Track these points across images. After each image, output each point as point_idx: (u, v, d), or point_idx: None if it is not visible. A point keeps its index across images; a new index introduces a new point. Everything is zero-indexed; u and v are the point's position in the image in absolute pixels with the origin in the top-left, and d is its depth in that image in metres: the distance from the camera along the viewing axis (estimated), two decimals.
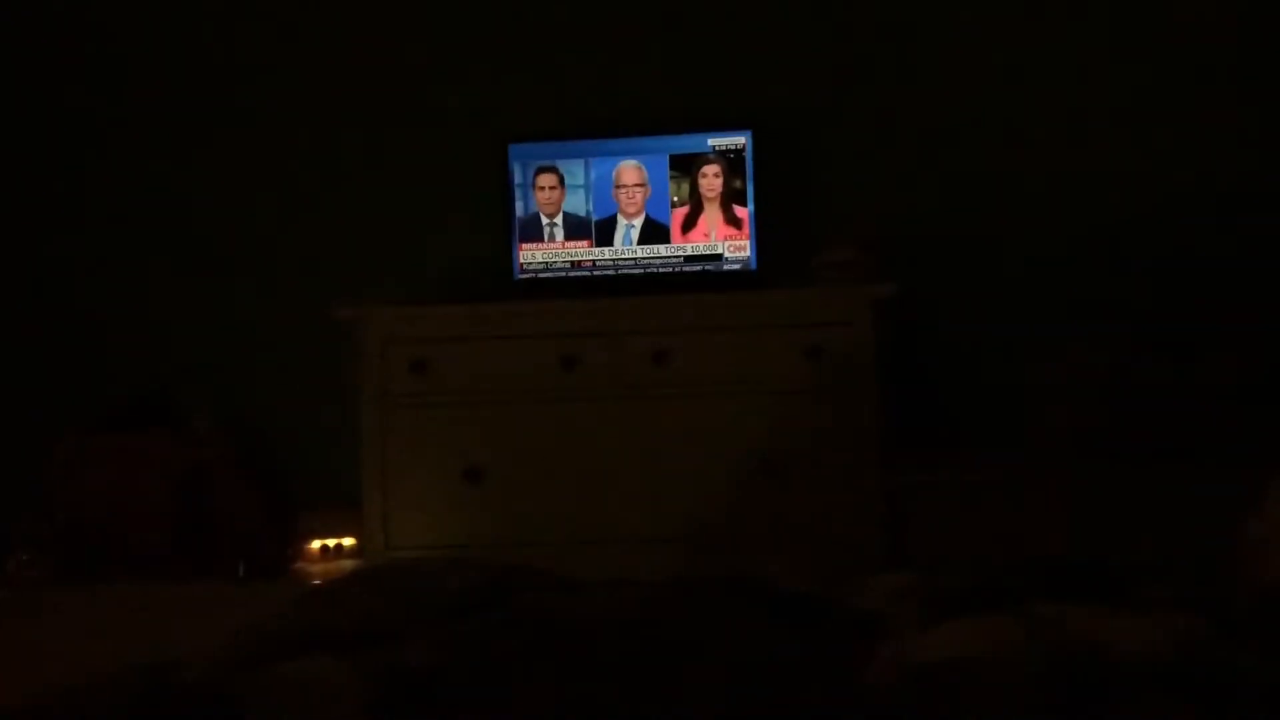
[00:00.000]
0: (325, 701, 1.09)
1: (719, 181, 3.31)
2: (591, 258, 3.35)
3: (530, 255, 3.36)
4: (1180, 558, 1.37)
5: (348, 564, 3.48)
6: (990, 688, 1.01)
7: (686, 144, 3.32)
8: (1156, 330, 3.15)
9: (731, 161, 3.30)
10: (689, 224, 3.33)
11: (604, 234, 3.35)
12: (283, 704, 1.09)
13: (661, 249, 3.33)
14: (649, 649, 1.23)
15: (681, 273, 3.32)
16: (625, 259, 3.34)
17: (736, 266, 3.31)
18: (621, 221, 3.35)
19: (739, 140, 3.30)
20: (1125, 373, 2.73)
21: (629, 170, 3.33)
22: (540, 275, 3.35)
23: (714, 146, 3.31)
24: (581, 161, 3.34)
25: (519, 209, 3.35)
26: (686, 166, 3.32)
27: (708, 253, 3.32)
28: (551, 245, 3.36)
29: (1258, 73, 3.38)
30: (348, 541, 3.60)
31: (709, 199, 3.32)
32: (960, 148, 3.47)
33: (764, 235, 3.29)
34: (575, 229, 3.36)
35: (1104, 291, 3.38)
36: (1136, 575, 1.30)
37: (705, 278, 3.31)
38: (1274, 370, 2.71)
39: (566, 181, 3.35)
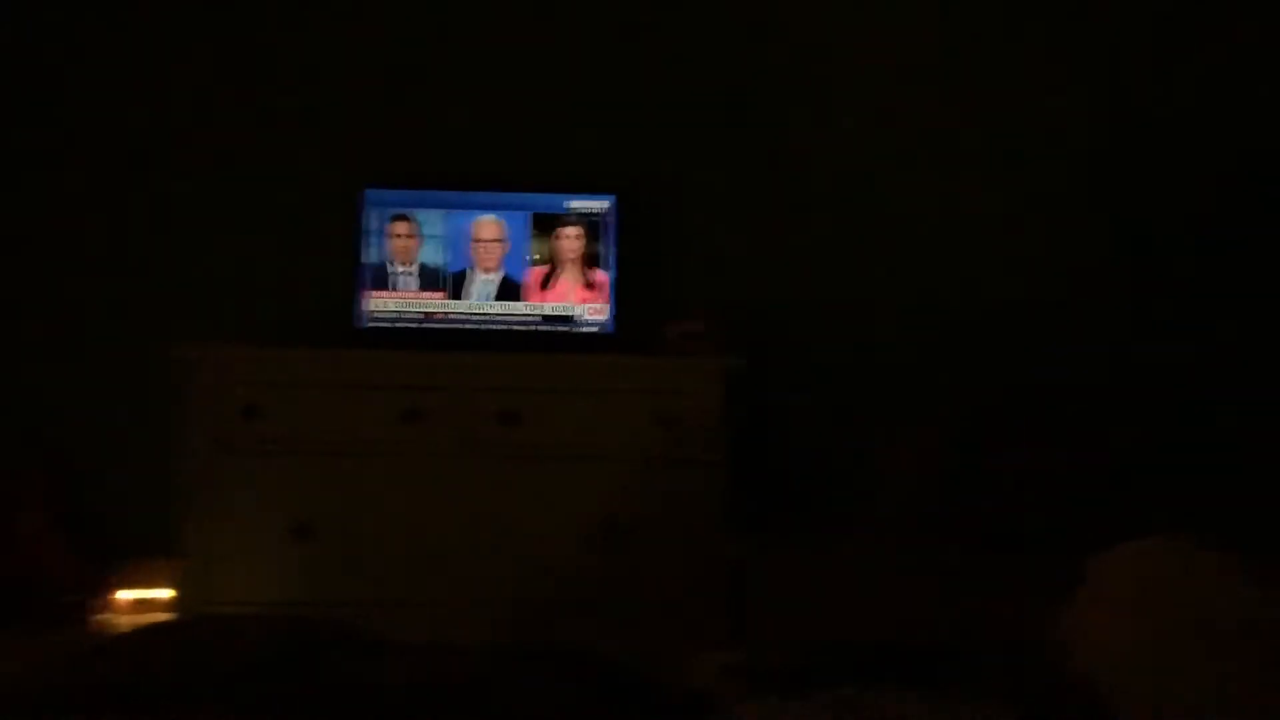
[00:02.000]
0: None
1: (579, 244, 3.27)
2: (444, 309, 3.26)
3: (381, 304, 3.25)
4: (1002, 645, 1.35)
5: (161, 618, 3.26)
6: None
7: (549, 203, 3.27)
8: (997, 416, 3.21)
9: (593, 224, 3.26)
10: (546, 283, 3.27)
11: (459, 287, 3.26)
12: None
13: (518, 306, 3.26)
14: (457, 718, 1.14)
15: (537, 332, 3.25)
16: (479, 314, 3.26)
17: (594, 329, 3.25)
18: (478, 276, 3.27)
19: (602, 204, 3.27)
20: (962, 457, 2.76)
21: (487, 225, 3.27)
22: (389, 325, 3.24)
23: (574, 209, 3.27)
24: (440, 212, 3.26)
25: (372, 255, 3.25)
26: (547, 226, 3.27)
27: (564, 313, 3.26)
28: (405, 294, 3.26)
29: (1114, 152, 3.51)
30: (165, 594, 3.38)
31: (569, 260, 3.27)
32: (821, 225, 3.52)
33: (623, 299, 3.25)
34: (429, 280, 3.26)
35: (947, 376, 3.44)
36: (955, 662, 1.27)
37: (562, 338, 3.24)
38: (1105, 462, 2.78)
39: (423, 230, 3.26)
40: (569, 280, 3.27)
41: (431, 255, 3.26)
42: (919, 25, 3.55)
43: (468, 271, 3.26)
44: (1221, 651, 1.01)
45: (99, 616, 3.31)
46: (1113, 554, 1.22)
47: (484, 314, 3.26)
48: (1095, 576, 1.20)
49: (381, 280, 3.25)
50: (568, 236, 3.26)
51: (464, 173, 3.37)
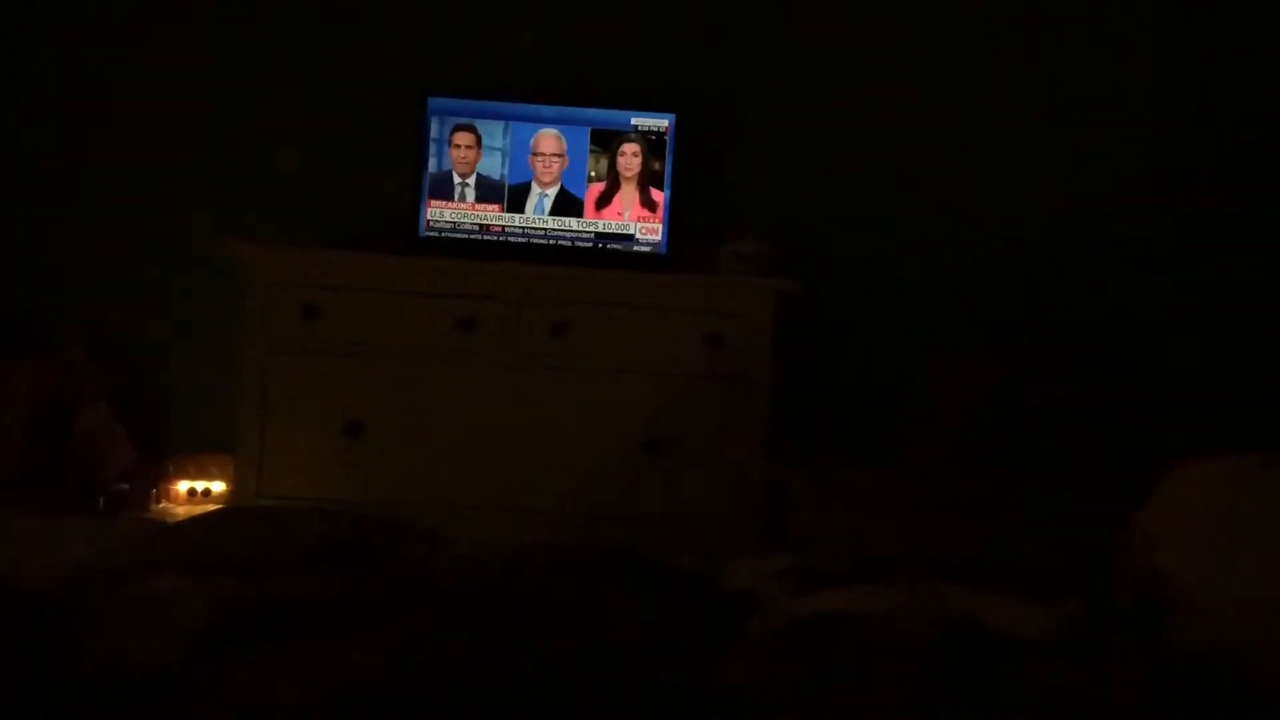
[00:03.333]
0: (167, 612, 1.03)
1: (637, 161, 3.28)
2: (501, 223, 3.29)
3: (438, 213, 3.28)
4: (1057, 561, 1.38)
5: (215, 509, 3.37)
6: (876, 640, 0.99)
7: (610, 119, 3.27)
8: (1045, 347, 3.21)
9: (652, 143, 3.27)
10: (604, 201, 3.29)
11: (516, 200, 3.29)
12: (121, 612, 1.02)
13: (573, 222, 3.29)
14: (511, 604, 1.19)
15: (590, 248, 3.28)
16: (535, 228, 3.29)
17: (647, 249, 3.28)
18: (535, 190, 3.29)
19: (662, 122, 3.27)
20: (1011, 386, 2.77)
21: (548, 139, 3.28)
22: (446, 234, 3.28)
23: (636, 125, 3.27)
24: (501, 124, 3.28)
25: (431, 164, 3.27)
26: (607, 143, 3.28)
27: (620, 231, 3.29)
28: (461, 205, 3.29)
29: (1164, 94, 3.45)
30: (218, 487, 3.48)
31: (626, 178, 3.28)
32: (880, 152, 3.49)
33: (677, 219, 3.27)
34: (488, 192, 3.29)
35: (1000, 306, 3.43)
36: (1013, 572, 1.30)
37: (614, 256, 3.27)
38: (1147, 393, 2.80)
39: (484, 142, 3.28)
40: (626, 198, 3.29)
41: (491, 167, 3.29)
42: None
43: (528, 185, 3.29)
44: None
45: (156, 506, 3.42)
46: (1194, 464, 1.25)
47: (540, 228, 3.29)
48: (1175, 484, 1.23)
49: (440, 190, 3.28)
50: (626, 154, 3.27)
51: (526, 85, 3.37)
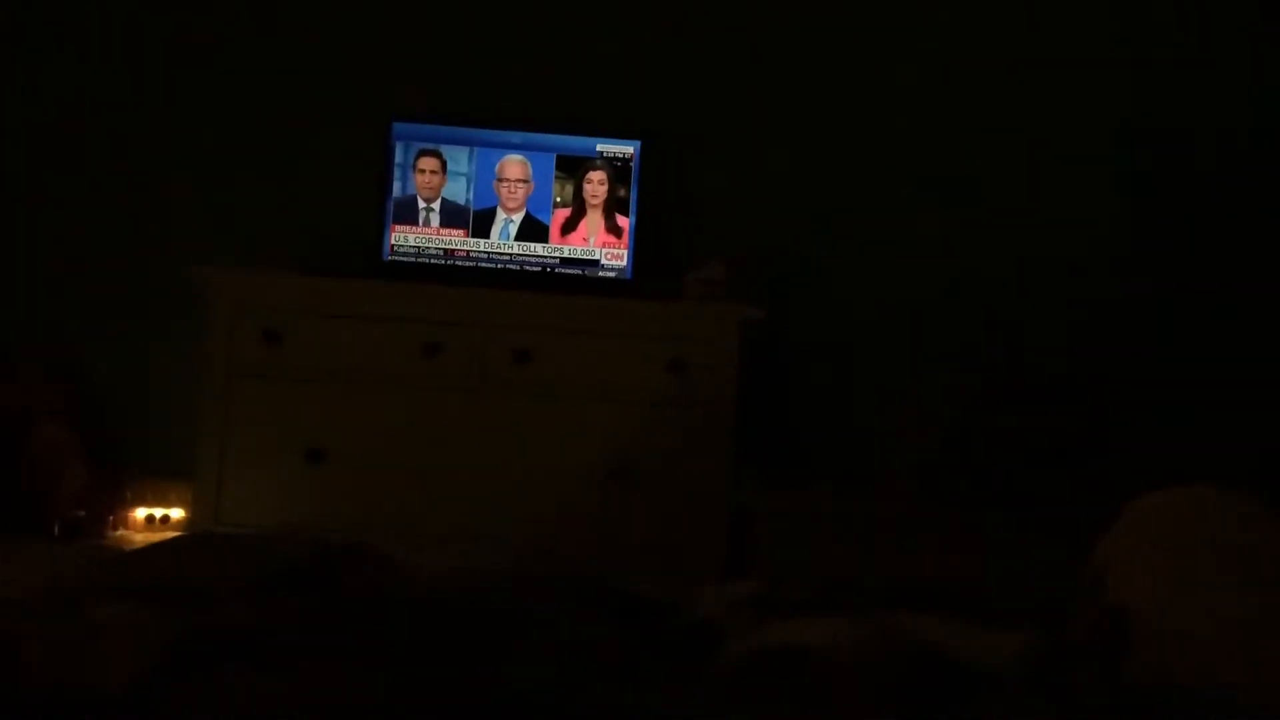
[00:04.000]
0: (122, 637, 1.01)
1: (604, 188, 3.29)
2: (466, 248, 3.28)
3: (402, 238, 3.28)
4: (1021, 590, 1.39)
5: (173, 535, 3.32)
6: (843, 669, 0.99)
7: (576, 145, 3.28)
8: (1010, 375, 3.25)
9: (618, 170, 3.28)
10: (569, 226, 3.29)
11: (481, 225, 3.29)
12: (72, 636, 1.00)
13: (538, 248, 3.29)
14: (477, 631, 1.18)
15: (555, 274, 3.28)
16: (500, 253, 3.29)
17: (612, 274, 3.28)
18: (500, 215, 3.29)
19: (628, 149, 3.28)
20: (976, 414, 2.80)
21: (513, 165, 3.28)
22: (411, 259, 3.27)
23: (602, 152, 3.28)
24: (466, 149, 3.28)
25: (396, 189, 3.27)
26: (573, 169, 3.29)
27: (585, 257, 3.29)
28: (426, 230, 3.28)
29: (1122, 123, 3.51)
30: (176, 513, 3.44)
31: (592, 205, 3.29)
32: (845, 180, 3.52)
33: (642, 246, 3.28)
34: (452, 217, 3.29)
35: (965, 333, 3.46)
36: (976, 601, 1.31)
37: (579, 282, 3.27)
38: (1111, 424, 2.84)
39: (449, 168, 3.28)
40: (592, 224, 3.29)
41: (456, 192, 3.28)
42: None
43: (493, 210, 3.29)
44: (1257, 590, 1.05)
45: (112, 532, 3.37)
46: (1154, 495, 1.26)
47: (505, 253, 3.29)
48: (1136, 514, 1.24)
49: (405, 214, 3.28)
50: (593, 181, 3.28)
51: (492, 111, 3.37)
